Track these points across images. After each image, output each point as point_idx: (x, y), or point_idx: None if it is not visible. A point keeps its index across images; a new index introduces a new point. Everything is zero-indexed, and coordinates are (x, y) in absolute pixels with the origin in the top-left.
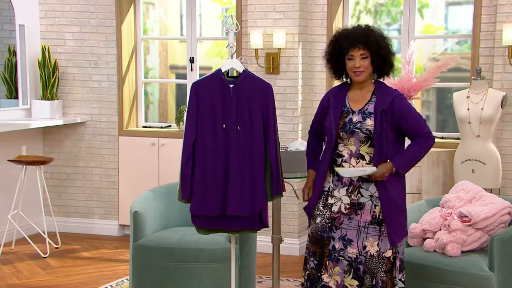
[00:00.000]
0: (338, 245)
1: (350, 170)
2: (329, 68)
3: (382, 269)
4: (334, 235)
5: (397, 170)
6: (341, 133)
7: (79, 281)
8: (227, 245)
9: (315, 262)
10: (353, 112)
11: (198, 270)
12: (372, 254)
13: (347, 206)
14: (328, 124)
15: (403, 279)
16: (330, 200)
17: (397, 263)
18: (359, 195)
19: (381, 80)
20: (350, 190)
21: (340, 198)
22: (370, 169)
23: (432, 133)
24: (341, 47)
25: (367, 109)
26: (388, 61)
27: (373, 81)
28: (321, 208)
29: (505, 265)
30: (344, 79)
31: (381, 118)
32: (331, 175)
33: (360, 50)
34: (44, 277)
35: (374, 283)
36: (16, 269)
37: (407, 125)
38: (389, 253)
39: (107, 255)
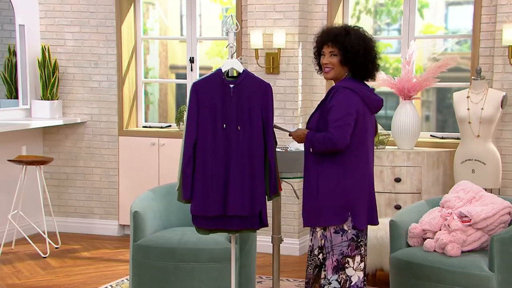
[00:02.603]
0: None
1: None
2: (315, 64)
3: (312, 265)
4: None
5: (306, 138)
6: None
7: (79, 281)
8: (227, 245)
9: None
10: None
11: (198, 270)
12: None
13: None
14: None
15: (339, 280)
16: None
17: (328, 263)
18: None
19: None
20: None
21: None
22: (291, 128)
23: (337, 140)
24: (318, 43)
25: None
26: (360, 64)
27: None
28: None
29: (505, 265)
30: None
31: (315, 111)
32: None
33: (329, 47)
34: (44, 277)
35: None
36: (16, 269)
37: (328, 117)
38: (316, 251)
39: (107, 255)
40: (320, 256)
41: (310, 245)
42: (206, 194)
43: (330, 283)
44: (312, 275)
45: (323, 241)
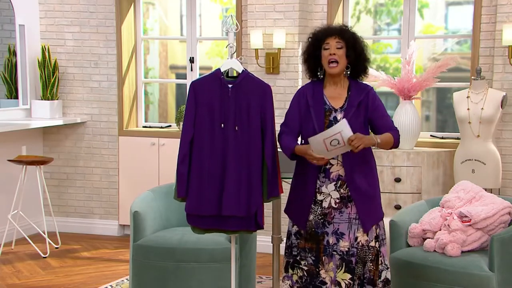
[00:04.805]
0: (331, 239)
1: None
2: (305, 68)
3: (369, 258)
4: (327, 230)
5: (377, 139)
6: None
7: (79, 281)
8: (227, 245)
9: (313, 258)
10: (336, 110)
11: (198, 270)
12: (362, 243)
13: (337, 201)
14: (311, 124)
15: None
16: (319, 197)
17: (382, 250)
18: (347, 188)
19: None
20: (338, 185)
21: (329, 194)
22: (342, 131)
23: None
24: (318, 38)
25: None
26: (363, 59)
27: (347, 78)
28: (312, 205)
29: (505, 265)
30: (319, 76)
31: (355, 112)
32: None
33: (336, 38)
34: (44, 277)
35: (363, 271)
36: (16, 269)
37: (377, 115)
38: (373, 243)
39: (107, 255)
40: (376, 244)
41: (366, 240)
42: (201, 193)
43: (387, 268)
44: (376, 265)
45: (377, 230)
